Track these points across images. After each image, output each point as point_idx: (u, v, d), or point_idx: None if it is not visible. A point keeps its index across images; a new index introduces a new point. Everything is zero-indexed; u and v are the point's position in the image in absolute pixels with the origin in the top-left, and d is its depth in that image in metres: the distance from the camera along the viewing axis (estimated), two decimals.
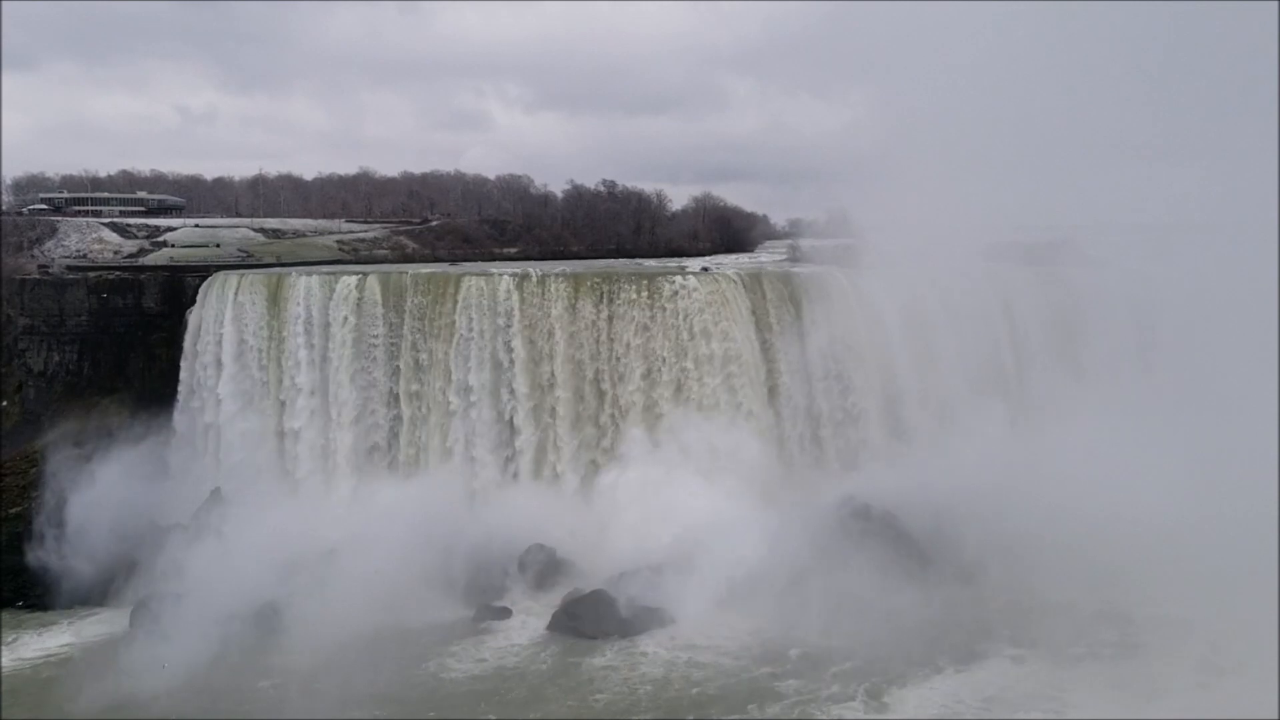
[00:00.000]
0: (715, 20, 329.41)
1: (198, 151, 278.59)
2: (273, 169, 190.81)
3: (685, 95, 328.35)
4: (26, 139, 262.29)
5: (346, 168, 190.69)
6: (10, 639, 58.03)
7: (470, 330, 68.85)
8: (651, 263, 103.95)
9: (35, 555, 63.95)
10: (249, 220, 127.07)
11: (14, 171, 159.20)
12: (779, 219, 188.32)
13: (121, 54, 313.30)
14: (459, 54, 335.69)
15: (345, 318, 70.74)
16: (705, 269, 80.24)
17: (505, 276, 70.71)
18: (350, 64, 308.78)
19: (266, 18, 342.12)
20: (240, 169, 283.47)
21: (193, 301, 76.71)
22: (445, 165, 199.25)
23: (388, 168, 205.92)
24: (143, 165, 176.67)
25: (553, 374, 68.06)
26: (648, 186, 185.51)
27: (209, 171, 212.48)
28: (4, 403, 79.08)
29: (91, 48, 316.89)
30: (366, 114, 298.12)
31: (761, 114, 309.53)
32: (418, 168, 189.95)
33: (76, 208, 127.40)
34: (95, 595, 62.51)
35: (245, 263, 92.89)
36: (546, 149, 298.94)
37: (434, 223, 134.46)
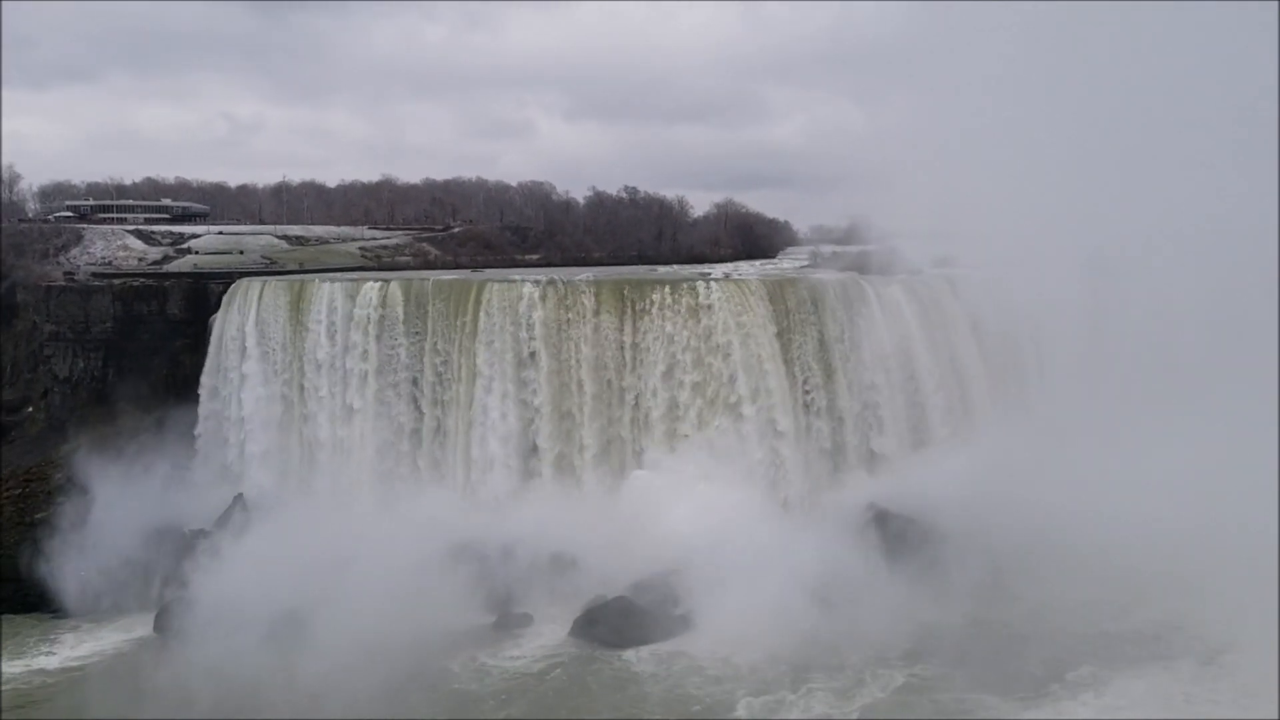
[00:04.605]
0: (757, 29, 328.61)
1: (243, 161, 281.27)
2: (306, 176, 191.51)
3: (724, 103, 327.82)
4: (80, 149, 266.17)
5: (372, 175, 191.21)
6: (35, 644, 58.40)
7: (492, 336, 68.73)
8: (673, 269, 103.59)
9: (60, 561, 64.23)
10: (272, 227, 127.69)
11: (60, 179, 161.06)
12: (803, 225, 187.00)
13: (173, 66, 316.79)
14: (501, 65, 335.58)
15: (368, 324, 70.85)
16: (727, 275, 79.92)
17: (528, 283, 70.53)
18: (393, 75, 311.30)
19: (316, 31, 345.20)
20: (271, 176, 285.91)
21: (216, 308, 77.16)
22: (481, 172, 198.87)
23: (419, 176, 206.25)
24: (167, 172, 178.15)
25: (576, 380, 67.86)
26: (670, 193, 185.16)
27: (240, 179, 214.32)
28: (30, 409, 79.71)
29: (145, 59, 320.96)
30: (408, 124, 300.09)
31: (798, 121, 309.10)
32: (449, 174, 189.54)
33: (102, 215, 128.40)
34: (120, 601, 62.67)
35: (269, 269, 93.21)
36: (582, 155, 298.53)
37: (456, 229, 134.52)
